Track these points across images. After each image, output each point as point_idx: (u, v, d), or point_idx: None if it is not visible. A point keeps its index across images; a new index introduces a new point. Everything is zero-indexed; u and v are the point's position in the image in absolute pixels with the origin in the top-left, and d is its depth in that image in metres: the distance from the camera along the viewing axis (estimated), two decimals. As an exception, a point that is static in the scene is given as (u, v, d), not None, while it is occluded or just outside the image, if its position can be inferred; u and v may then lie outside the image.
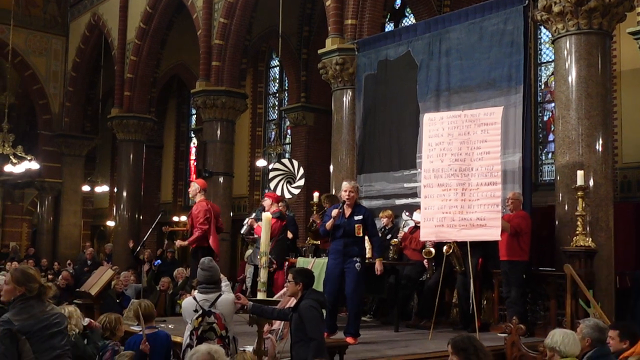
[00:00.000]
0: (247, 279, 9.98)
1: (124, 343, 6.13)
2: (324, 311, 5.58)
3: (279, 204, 9.67)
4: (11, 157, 17.85)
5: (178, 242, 9.55)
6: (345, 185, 7.57)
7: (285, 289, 6.68)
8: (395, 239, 9.67)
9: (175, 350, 6.18)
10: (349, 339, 7.06)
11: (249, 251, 10.11)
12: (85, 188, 23.18)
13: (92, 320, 6.00)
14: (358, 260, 7.35)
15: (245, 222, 10.18)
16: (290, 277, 5.55)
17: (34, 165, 18.89)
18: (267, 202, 9.37)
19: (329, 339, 6.88)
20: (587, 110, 8.52)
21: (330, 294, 7.31)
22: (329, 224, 7.44)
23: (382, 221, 9.93)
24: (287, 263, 9.43)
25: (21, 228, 26.39)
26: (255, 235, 9.43)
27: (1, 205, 26.11)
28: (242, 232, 10.41)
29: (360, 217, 7.41)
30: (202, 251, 8.75)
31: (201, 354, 3.16)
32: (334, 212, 7.47)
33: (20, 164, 18.24)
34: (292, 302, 6.05)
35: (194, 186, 9.03)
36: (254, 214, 10.39)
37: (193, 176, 23.38)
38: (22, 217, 26.53)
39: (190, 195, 9.63)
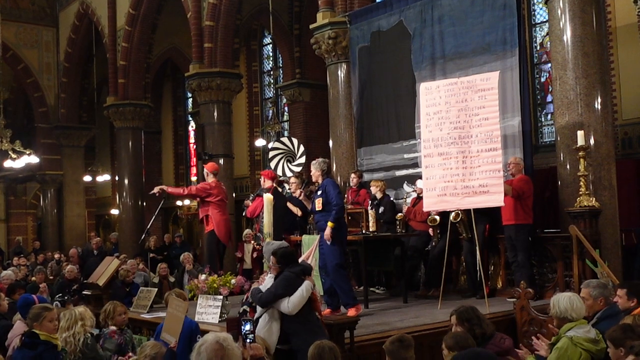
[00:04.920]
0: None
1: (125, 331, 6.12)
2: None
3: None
4: (10, 152, 17.79)
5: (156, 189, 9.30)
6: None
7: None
8: (401, 214, 9.62)
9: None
10: (350, 312, 7.10)
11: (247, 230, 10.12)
12: (87, 178, 23.17)
13: (114, 330, 5.82)
14: None
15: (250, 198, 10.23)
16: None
17: (34, 159, 18.82)
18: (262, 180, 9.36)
19: (334, 315, 6.92)
20: (584, 69, 8.42)
21: (320, 269, 7.52)
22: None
23: (372, 190, 9.81)
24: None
25: (26, 222, 26.44)
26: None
27: (4, 200, 26.14)
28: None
29: (320, 191, 7.50)
30: (210, 236, 8.96)
31: (210, 344, 3.07)
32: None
33: (20, 159, 18.18)
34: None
35: (204, 171, 9.30)
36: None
37: (194, 160, 23.35)
38: (26, 211, 26.60)
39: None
